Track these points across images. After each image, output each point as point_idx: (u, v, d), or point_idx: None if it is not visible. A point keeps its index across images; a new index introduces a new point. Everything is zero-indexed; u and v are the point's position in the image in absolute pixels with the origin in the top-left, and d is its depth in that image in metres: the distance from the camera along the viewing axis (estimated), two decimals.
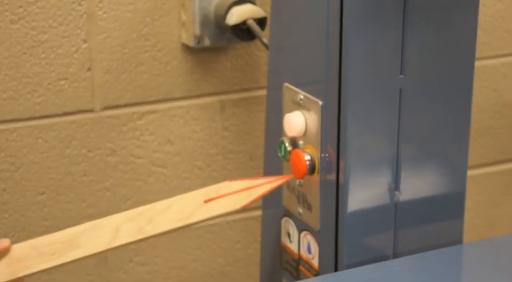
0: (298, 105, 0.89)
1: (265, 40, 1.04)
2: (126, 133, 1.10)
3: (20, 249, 0.79)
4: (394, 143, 0.86)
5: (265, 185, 0.81)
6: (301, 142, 0.89)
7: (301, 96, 0.88)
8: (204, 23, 1.07)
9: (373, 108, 0.84)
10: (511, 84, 1.30)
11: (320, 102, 0.86)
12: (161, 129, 1.12)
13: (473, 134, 0.92)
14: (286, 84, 0.91)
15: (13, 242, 0.80)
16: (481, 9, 0.87)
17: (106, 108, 1.09)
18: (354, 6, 0.80)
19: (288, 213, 0.94)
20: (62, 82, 1.06)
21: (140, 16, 1.07)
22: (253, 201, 0.81)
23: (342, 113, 0.84)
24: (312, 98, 0.87)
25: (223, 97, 1.14)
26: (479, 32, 0.88)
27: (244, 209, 0.81)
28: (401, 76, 0.85)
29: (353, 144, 0.84)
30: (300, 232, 0.93)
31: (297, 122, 0.87)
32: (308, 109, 0.87)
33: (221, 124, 1.15)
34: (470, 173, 0.94)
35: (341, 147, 0.84)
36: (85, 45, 1.06)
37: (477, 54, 0.89)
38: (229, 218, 1.18)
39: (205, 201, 0.80)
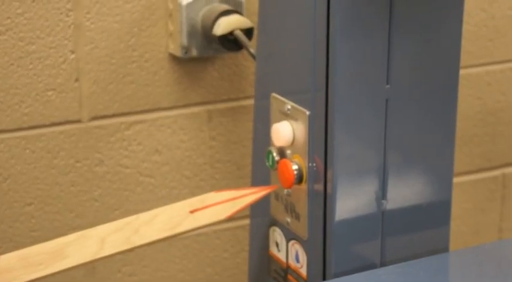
0: (285, 115, 0.89)
1: (252, 50, 1.04)
2: (113, 143, 1.10)
3: (7, 260, 0.79)
4: (380, 152, 0.87)
5: (250, 195, 0.82)
6: (288, 152, 0.89)
7: (289, 106, 0.89)
8: (191, 33, 1.08)
9: (360, 118, 0.85)
10: (495, 92, 1.32)
11: (307, 112, 0.86)
12: (149, 139, 1.12)
13: (458, 141, 0.93)
14: (274, 94, 0.91)
15: (1, 253, 0.80)
16: (465, 18, 0.88)
17: (94, 118, 1.09)
18: (340, 17, 0.81)
19: (275, 223, 0.95)
20: (50, 93, 1.06)
21: (127, 27, 1.08)
22: (238, 212, 0.81)
23: (329, 123, 0.84)
24: (300, 107, 0.87)
25: (210, 107, 1.15)
26: (463, 41, 0.89)
27: (230, 219, 0.81)
28: (388, 86, 0.85)
29: (340, 154, 0.84)
30: (288, 241, 0.93)
31: (284, 132, 0.88)
32: (296, 119, 0.88)
33: (208, 134, 1.15)
34: (455, 180, 0.95)
35: (328, 156, 0.85)
36: (72, 56, 1.06)
37: (461, 63, 0.90)
38: (216, 228, 1.19)
39: (191, 212, 0.81)
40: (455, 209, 0.97)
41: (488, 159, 1.34)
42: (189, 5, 1.07)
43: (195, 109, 1.14)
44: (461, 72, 0.90)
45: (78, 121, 1.08)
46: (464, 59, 0.91)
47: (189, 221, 0.81)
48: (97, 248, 0.79)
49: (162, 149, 1.13)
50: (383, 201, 0.88)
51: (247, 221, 1.06)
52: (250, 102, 1.11)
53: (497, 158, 1.34)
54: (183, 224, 0.80)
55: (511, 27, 1.29)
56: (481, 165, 1.34)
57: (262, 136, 0.94)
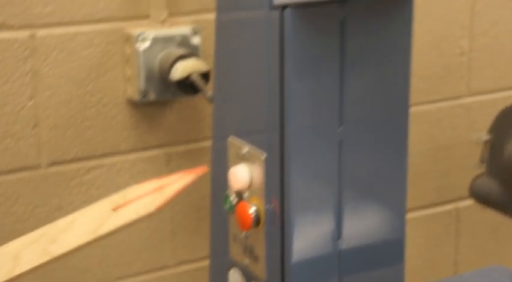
0: (242, 159, 0.91)
1: (209, 93, 1.06)
2: (72, 188, 1.11)
3: None
4: (335, 192, 0.88)
5: (178, 182, 0.74)
6: (246, 194, 0.90)
7: (246, 150, 0.90)
8: (149, 77, 1.09)
9: (315, 159, 0.87)
10: (446, 128, 1.35)
11: (264, 155, 0.88)
12: (107, 184, 1.12)
13: (411, 177, 0.95)
14: (231, 138, 0.93)
15: None
16: (416, 56, 0.90)
17: (52, 164, 1.09)
18: (293, 60, 0.83)
19: (235, 264, 0.96)
20: (8, 140, 1.06)
21: (85, 72, 1.09)
22: (169, 201, 0.72)
23: (285, 165, 0.86)
24: (256, 150, 0.89)
25: (168, 150, 1.16)
26: (414, 78, 0.91)
27: (159, 211, 0.72)
28: (341, 127, 0.87)
29: (296, 195, 0.86)
30: None
31: (241, 176, 0.89)
32: (252, 162, 0.89)
33: None
34: (410, 215, 0.97)
35: (285, 198, 0.86)
36: (31, 103, 1.06)
37: (413, 100, 0.92)
38: (175, 270, 1.19)
39: (114, 210, 0.73)
40: (410, 245, 0.99)
41: (441, 194, 1.37)
42: (146, 50, 1.09)
43: (154, 152, 1.15)
44: (413, 109, 0.92)
45: (37, 167, 1.08)
46: (415, 96, 0.93)
47: (113, 220, 0.71)
48: (11, 265, 0.70)
49: None
50: (339, 240, 0.89)
51: (206, 263, 1.06)
52: (209, 143, 1.12)
53: (450, 192, 1.37)
54: (106, 224, 0.71)
55: (459, 64, 1.33)
56: (434, 200, 1.37)
57: (220, 178, 0.95)
